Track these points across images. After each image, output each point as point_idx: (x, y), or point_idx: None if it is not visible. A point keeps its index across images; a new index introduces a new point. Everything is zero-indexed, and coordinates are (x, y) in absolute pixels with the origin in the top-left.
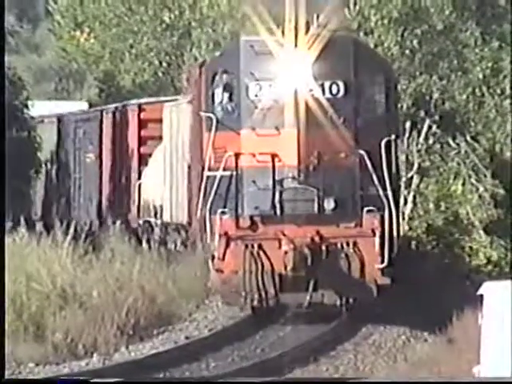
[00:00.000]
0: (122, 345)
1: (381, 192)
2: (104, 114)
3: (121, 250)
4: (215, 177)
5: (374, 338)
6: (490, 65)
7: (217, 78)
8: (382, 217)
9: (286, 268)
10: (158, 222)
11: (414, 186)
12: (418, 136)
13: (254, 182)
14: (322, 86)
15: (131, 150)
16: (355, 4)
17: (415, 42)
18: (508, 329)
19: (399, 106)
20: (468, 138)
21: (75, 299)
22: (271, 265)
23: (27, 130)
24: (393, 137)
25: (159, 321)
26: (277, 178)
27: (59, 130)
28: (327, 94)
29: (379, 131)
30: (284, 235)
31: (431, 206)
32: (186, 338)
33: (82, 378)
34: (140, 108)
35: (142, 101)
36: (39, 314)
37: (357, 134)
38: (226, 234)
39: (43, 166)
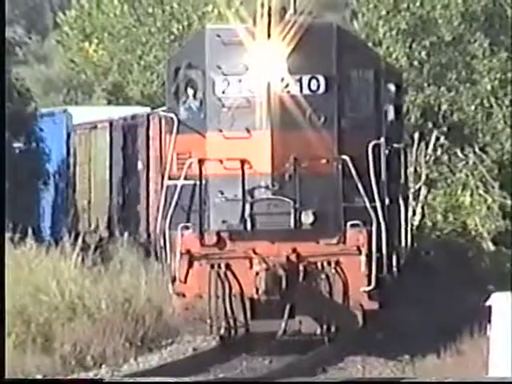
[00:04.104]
0: (131, 356)
1: (367, 203)
2: (150, 118)
3: (130, 261)
4: (176, 186)
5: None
6: (498, 76)
7: (180, 72)
8: (369, 232)
9: (257, 291)
10: None
11: (421, 197)
12: (426, 147)
13: (220, 192)
14: (300, 81)
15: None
16: (363, 15)
17: (423, 53)
18: None
19: (407, 117)
20: (476, 149)
21: (84, 311)
22: (241, 288)
23: (35, 142)
24: (382, 140)
25: (167, 332)
26: (247, 187)
27: (111, 136)
28: (305, 91)
29: (366, 133)
30: (255, 253)
31: (439, 217)
32: (194, 349)
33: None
34: None
35: None
36: (47, 326)
37: (340, 137)
38: (188, 252)
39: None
